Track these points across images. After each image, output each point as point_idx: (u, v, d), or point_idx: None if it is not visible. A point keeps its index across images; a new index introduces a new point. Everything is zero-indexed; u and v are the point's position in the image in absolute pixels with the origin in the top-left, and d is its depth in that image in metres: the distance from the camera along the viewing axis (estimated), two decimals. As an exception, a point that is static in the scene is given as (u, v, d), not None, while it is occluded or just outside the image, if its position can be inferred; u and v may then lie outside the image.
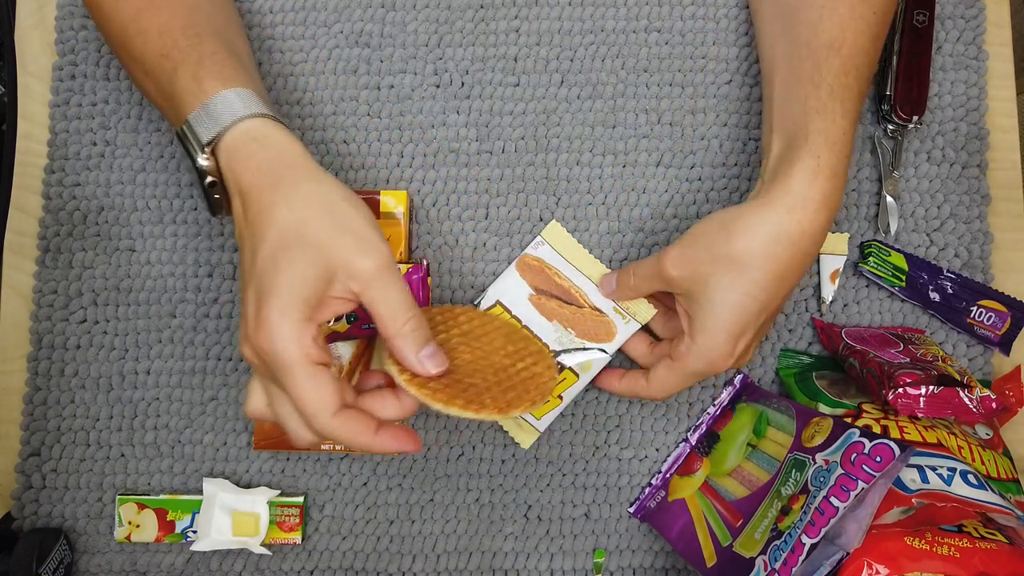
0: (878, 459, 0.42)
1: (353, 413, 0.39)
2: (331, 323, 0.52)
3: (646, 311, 0.56)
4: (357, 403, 0.41)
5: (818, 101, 0.47)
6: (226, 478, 0.55)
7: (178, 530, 0.54)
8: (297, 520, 0.54)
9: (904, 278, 0.57)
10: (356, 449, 0.39)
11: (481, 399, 0.42)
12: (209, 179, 0.42)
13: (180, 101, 0.44)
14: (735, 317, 0.46)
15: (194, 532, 0.54)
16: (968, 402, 0.48)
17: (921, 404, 0.48)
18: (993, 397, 0.49)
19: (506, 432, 0.56)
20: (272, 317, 0.37)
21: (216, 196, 0.43)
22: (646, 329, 0.55)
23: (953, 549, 0.39)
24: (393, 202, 0.55)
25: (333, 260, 0.39)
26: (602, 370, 0.54)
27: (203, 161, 0.42)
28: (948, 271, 0.57)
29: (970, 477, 0.44)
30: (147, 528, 0.54)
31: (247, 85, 0.44)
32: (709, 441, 0.55)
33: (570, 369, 0.55)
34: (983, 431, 0.52)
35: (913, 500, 0.43)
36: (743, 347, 0.47)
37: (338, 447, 0.53)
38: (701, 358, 0.47)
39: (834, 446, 0.45)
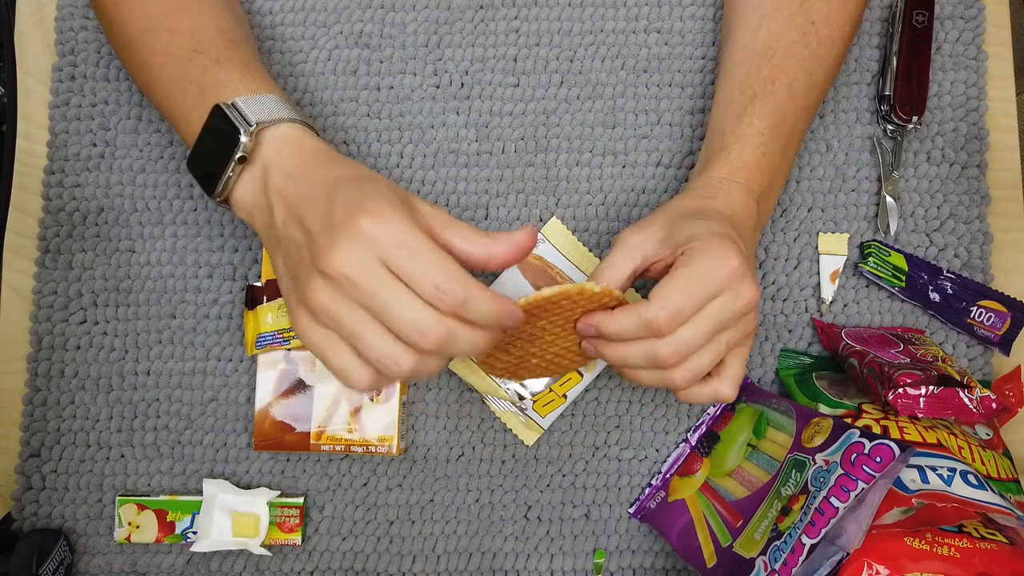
0: (878, 459, 0.42)
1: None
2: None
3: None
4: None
5: (740, 107, 0.50)
6: (226, 479, 0.55)
7: (178, 531, 0.54)
8: (297, 521, 0.54)
9: (904, 278, 0.57)
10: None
11: (522, 374, 0.48)
12: (241, 154, 0.44)
13: (223, 86, 0.46)
14: (715, 225, 0.44)
15: (194, 533, 0.54)
16: (968, 402, 0.48)
17: (921, 404, 0.48)
18: (993, 397, 0.49)
19: (506, 432, 0.56)
20: (382, 202, 0.38)
21: (230, 175, 0.44)
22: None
23: (953, 549, 0.39)
24: (393, 203, 0.55)
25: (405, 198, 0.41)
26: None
27: (244, 138, 0.43)
28: (948, 271, 0.57)
29: (970, 477, 0.44)
30: (147, 529, 0.54)
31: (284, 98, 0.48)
32: (709, 441, 0.55)
33: (576, 370, 0.55)
34: (983, 431, 0.52)
35: (913, 500, 0.43)
36: (745, 251, 0.44)
37: (338, 448, 0.53)
38: (704, 252, 0.42)
39: (834, 446, 0.45)
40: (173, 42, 0.48)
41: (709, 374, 0.45)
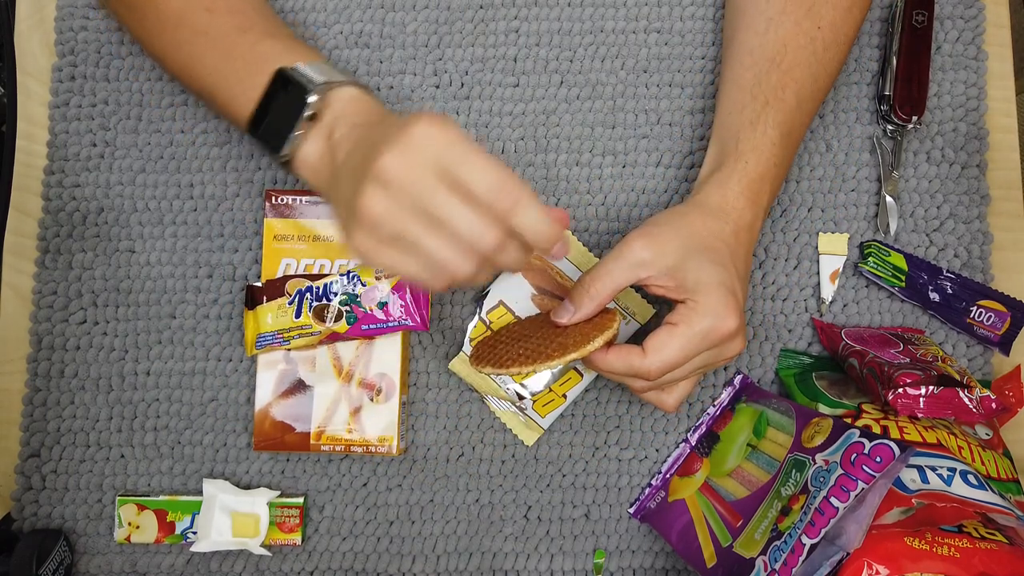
0: (878, 459, 0.42)
1: None
2: (332, 323, 0.52)
3: (646, 310, 0.56)
4: None
5: (753, 113, 0.50)
6: (226, 479, 0.55)
7: (178, 531, 0.54)
8: (297, 521, 0.54)
9: (904, 278, 0.57)
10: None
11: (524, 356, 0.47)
12: (311, 112, 0.45)
13: (279, 55, 0.47)
14: (723, 274, 0.46)
15: (194, 533, 0.54)
16: (968, 402, 0.48)
17: (921, 404, 0.48)
18: (993, 397, 0.49)
19: (506, 432, 0.56)
20: (439, 114, 0.39)
21: (298, 133, 0.45)
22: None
23: (953, 549, 0.39)
24: (393, 203, 0.55)
25: None
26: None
27: (314, 97, 0.44)
28: (948, 271, 0.57)
29: (970, 477, 0.44)
30: (147, 529, 0.54)
31: None
32: (709, 441, 0.55)
33: (575, 369, 0.55)
34: (983, 431, 0.52)
35: (913, 500, 0.43)
36: (742, 302, 0.47)
37: (338, 448, 0.53)
38: (708, 312, 0.45)
39: (834, 446, 0.45)
40: (213, 22, 0.49)
41: None
